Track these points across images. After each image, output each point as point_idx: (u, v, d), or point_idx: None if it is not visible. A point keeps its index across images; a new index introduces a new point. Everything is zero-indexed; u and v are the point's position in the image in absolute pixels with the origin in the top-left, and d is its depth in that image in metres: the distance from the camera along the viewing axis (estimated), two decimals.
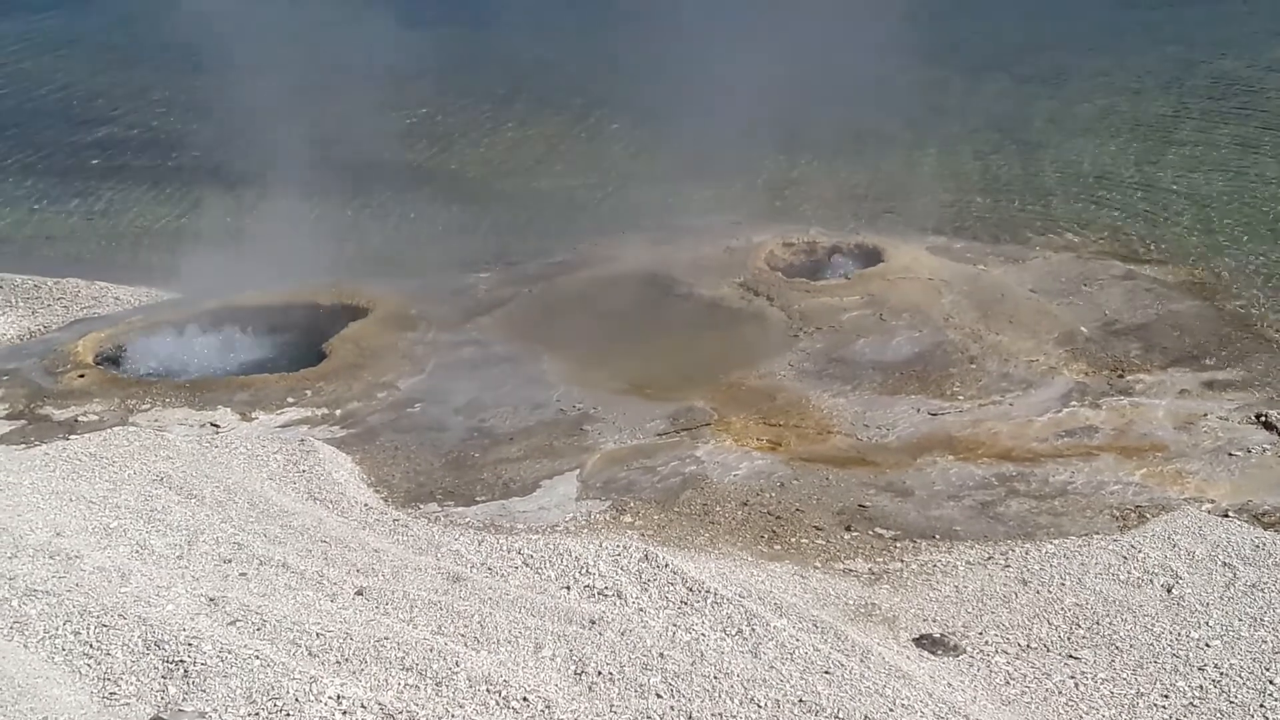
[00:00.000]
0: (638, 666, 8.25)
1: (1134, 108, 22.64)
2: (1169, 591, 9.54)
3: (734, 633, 8.79)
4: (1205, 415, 12.43)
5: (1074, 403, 12.86)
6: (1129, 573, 9.83)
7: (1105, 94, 23.45)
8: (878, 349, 14.20)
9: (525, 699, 7.78)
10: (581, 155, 21.63)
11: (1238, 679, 8.44)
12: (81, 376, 14.44)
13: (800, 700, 7.88)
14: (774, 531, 10.90)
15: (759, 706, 7.83)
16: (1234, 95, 23.06)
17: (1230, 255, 16.43)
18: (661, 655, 8.39)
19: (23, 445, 12.79)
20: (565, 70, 22.90)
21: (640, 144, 22.50)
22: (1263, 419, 12.22)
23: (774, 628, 8.83)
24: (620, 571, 9.76)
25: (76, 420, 13.41)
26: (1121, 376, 13.35)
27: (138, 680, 7.85)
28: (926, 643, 9.12)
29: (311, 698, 7.50)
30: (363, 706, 7.49)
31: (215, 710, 7.41)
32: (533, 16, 26.50)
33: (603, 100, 23.55)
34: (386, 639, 8.36)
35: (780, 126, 22.91)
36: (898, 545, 10.64)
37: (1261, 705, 8.17)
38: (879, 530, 10.88)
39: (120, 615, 8.53)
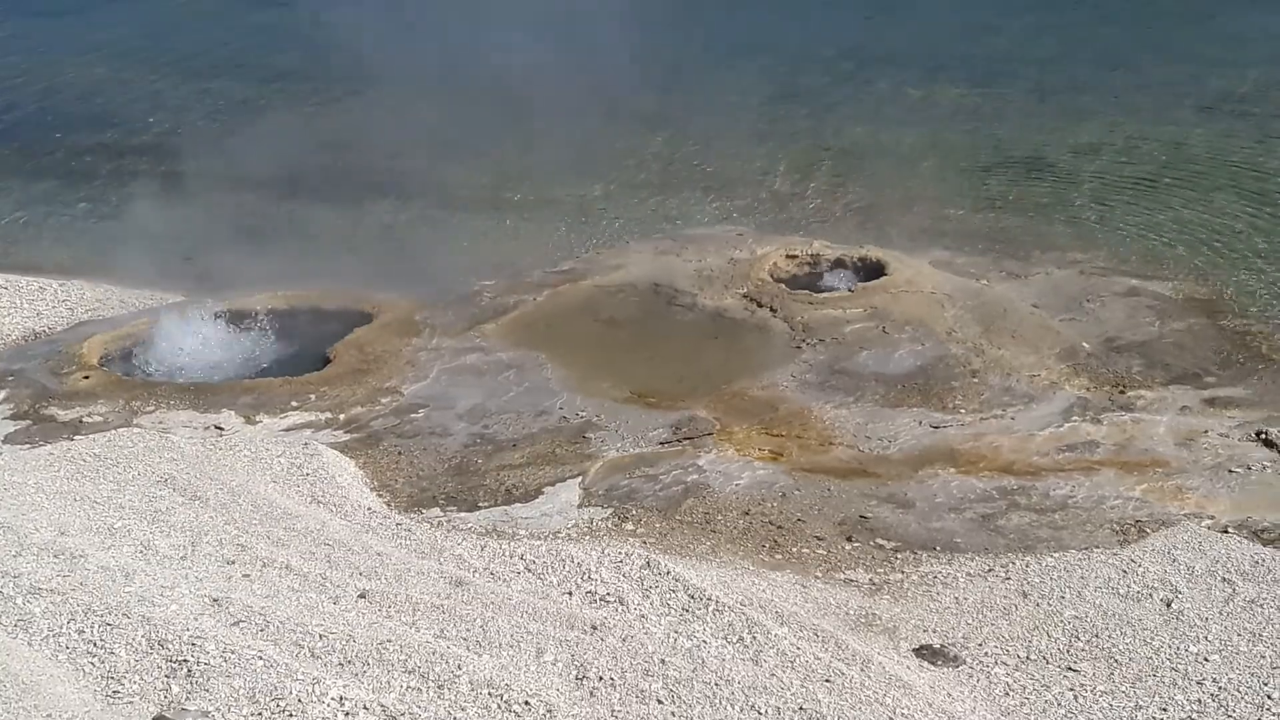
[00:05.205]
0: (639, 672, 8.29)
1: (1139, 123, 22.63)
2: (1168, 606, 9.58)
3: (735, 640, 8.83)
4: (1206, 432, 12.47)
5: (1075, 418, 12.89)
6: (1129, 587, 9.87)
7: (1111, 110, 23.49)
8: (880, 361, 14.23)
9: (527, 703, 7.81)
10: (588, 163, 21.70)
11: (1235, 693, 8.48)
12: (86, 378, 14.48)
13: (801, 708, 7.91)
14: (775, 541, 10.94)
15: (760, 714, 7.86)
16: (1243, 114, 23.05)
17: (1232, 273, 16.43)
18: (663, 662, 8.43)
19: (28, 445, 12.83)
20: (572, 77, 22.99)
21: (648, 153, 22.59)
22: (1263, 436, 12.25)
23: (775, 636, 8.87)
24: (622, 578, 9.80)
25: (81, 421, 13.44)
26: (1123, 392, 13.38)
27: (141, 679, 7.88)
28: (926, 653, 9.15)
29: (314, 699, 7.54)
30: (365, 708, 7.52)
31: (218, 710, 7.44)
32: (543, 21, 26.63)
33: (612, 109, 23.64)
34: (389, 641, 8.40)
35: (784, 139, 23.04)
36: (899, 556, 10.68)
37: None
38: (880, 541, 10.92)
39: (124, 614, 8.56)
